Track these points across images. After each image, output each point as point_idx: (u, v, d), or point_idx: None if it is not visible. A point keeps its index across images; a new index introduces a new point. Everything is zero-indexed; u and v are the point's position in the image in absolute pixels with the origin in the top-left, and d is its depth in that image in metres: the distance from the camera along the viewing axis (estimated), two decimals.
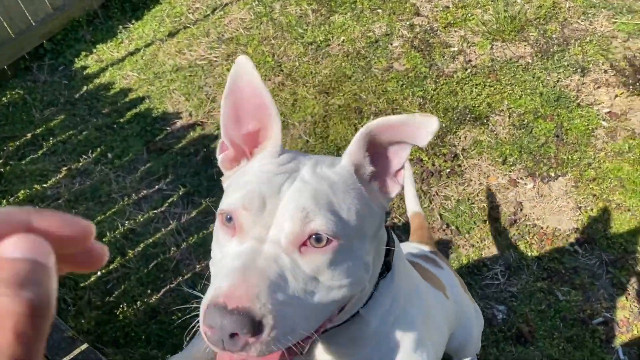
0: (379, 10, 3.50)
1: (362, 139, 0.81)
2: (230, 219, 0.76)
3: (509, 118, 2.73)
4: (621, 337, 2.00)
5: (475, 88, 2.88)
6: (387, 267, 0.93)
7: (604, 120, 2.66)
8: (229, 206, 0.76)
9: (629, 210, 2.33)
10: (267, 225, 0.75)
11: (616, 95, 2.77)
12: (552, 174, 2.48)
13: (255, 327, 0.66)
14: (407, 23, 3.36)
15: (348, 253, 0.78)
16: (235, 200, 0.75)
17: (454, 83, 2.93)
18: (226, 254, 0.75)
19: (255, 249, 0.73)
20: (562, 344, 2.00)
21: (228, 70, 3.23)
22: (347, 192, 0.79)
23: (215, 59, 3.35)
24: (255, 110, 0.83)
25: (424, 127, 0.77)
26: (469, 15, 3.33)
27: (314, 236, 0.74)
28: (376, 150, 0.84)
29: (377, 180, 0.86)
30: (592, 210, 2.36)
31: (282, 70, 3.21)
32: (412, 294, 1.04)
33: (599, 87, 2.82)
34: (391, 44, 3.27)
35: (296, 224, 0.73)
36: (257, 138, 0.86)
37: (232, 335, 0.66)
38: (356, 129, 2.78)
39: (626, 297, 2.09)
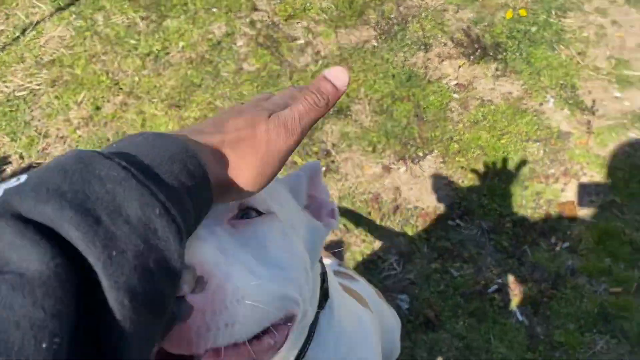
0: (214, 10, 3.29)
1: (306, 172, 0.81)
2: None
3: (369, 105, 2.74)
4: (515, 299, 2.10)
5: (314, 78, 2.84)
6: (324, 295, 0.82)
7: (454, 92, 2.77)
8: None
9: (494, 175, 2.45)
10: None
11: (459, 67, 2.90)
12: (421, 154, 2.53)
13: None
14: (247, 20, 3.21)
15: (283, 234, 0.65)
16: None
17: (309, 77, 2.86)
18: None
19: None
20: (467, 320, 2.05)
21: (56, 97, 2.84)
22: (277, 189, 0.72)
23: (37, 87, 2.91)
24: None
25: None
26: (308, 4, 3.27)
27: (243, 211, 0.62)
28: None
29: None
30: (463, 182, 2.44)
31: (121, 89, 2.89)
32: (356, 330, 0.94)
33: (442, 61, 2.93)
34: (235, 44, 3.10)
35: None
36: None
37: None
38: None
39: (511, 259, 2.20)
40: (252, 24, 3.19)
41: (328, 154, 2.54)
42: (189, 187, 0.41)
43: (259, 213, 0.63)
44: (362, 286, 1.45)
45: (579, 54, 2.90)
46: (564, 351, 1.95)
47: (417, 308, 2.08)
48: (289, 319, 0.63)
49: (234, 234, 0.61)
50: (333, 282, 0.89)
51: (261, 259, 0.61)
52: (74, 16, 3.28)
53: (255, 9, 3.27)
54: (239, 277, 0.53)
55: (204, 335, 0.49)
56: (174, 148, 0.42)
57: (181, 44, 3.10)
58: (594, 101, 2.67)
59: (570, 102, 2.68)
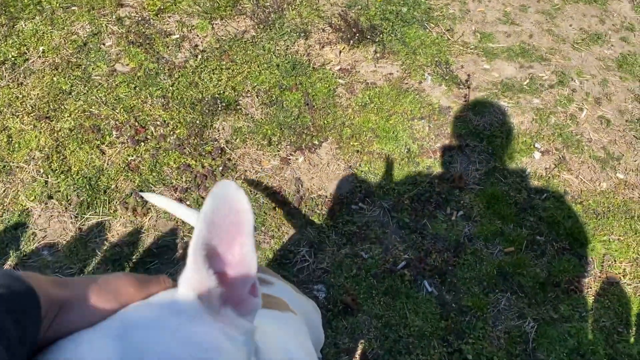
0: (73, 8, 3.03)
1: (197, 254, 0.58)
2: None
3: (257, 97, 2.68)
4: (422, 272, 2.20)
5: (214, 74, 2.74)
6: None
7: (339, 78, 2.80)
8: None
9: (389, 156, 2.53)
10: None
11: (340, 51, 2.93)
12: (316, 142, 2.54)
13: None
14: (113, 17, 2.99)
15: None
16: None
17: (190, 73, 2.74)
18: None
19: None
20: (382, 299, 2.11)
21: None
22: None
23: None
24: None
25: (231, 203, 0.58)
26: None
27: None
28: (219, 265, 0.62)
29: (230, 302, 0.63)
30: (360, 165, 2.49)
31: None
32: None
33: (323, 47, 2.95)
34: (104, 44, 2.87)
35: None
36: None
37: None
38: (101, 151, 2.42)
39: (414, 234, 2.29)
40: (120, 21, 2.98)
41: (223, 151, 2.46)
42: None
43: None
44: (279, 288, 1.42)
45: (447, 30, 3.07)
46: (472, 314, 2.09)
47: (334, 295, 2.10)
48: None
49: None
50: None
51: None
52: None
53: (120, 4, 3.06)
54: None
55: None
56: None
57: (41, 48, 2.81)
58: (468, 75, 2.84)
59: (446, 77, 2.83)
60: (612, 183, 2.51)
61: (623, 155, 2.61)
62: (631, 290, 2.20)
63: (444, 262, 2.22)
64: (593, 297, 2.17)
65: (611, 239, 2.32)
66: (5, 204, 2.28)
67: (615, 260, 2.27)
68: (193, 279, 0.58)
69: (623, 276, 2.23)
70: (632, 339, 2.07)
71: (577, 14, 3.25)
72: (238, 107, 2.63)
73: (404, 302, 2.11)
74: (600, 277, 2.23)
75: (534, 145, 2.60)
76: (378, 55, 2.91)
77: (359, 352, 1.98)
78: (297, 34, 2.98)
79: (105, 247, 2.19)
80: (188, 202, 2.31)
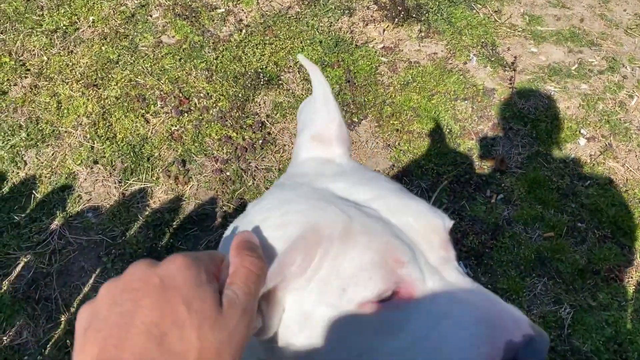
0: None
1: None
2: (389, 296, 0.51)
3: (299, 73, 2.69)
4: (458, 253, 2.19)
5: (257, 48, 2.76)
6: None
7: (382, 56, 2.78)
8: (378, 284, 0.50)
9: (428, 135, 2.51)
10: (416, 255, 0.55)
11: (384, 30, 2.91)
12: (355, 119, 2.54)
13: None
14: None
15: None
16: (373, 273, 0.50)
17: (234, 47, 2.76)
18: (422, 327, 0.50)
19: (445, 298, 0.52)
20: None
21: None
22: None
23: None
24: None
25: None
26: None
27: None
28: None
29: None
30: (399, 144, 2.48)
31: (28, 70, 2.65)
32: None
33: (367, 25, 2.93)
34: (151, 16, 2.92)
35: (441, 232, 0.58)
36: None
37: None
38: (146, 120, 2.47)
39: (451, 215, 2.27)
40: None
41: (263, 125, 2.49)
42: None
43: None
44: None
45: (495, 12, 3.00)
46: (508, 297, 2.06)
47: None
48: None
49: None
50: None
51: None
52: None
53: None
54: None
55: None
56: None
57: (91, 18, 2.88)
58: (514, 57, 2.78)
59: (492, 59, 2.78)
60: None
61: None
62: None
63: (481, 244, 2.20)
64: (634, 287, 2.11)
65: None
66: (53, 167, 2.36)
67: None
68: None
69: None
70: None
71: None
72: (280, 82, 2.65)
73: None
74: None
75: (579, 132, 2.54)
76: (423, 34, 2.87)
77: None
78: (341, 11, 2.97)
79: (146, 213, 2.25)
80: (228, 173, 2.34)
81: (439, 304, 0.51)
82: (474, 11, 2.99)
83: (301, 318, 0.52)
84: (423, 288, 0.53)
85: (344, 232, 0.52)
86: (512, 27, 2.93)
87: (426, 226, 0.58)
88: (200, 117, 2.51)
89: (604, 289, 2.10)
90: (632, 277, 2.14)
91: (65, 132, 2.45)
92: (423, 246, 0.56)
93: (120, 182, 2.32)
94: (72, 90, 2.58)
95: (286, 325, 0.52)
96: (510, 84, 2.68)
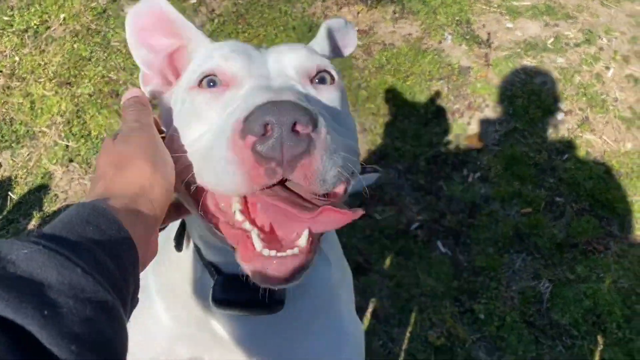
0: None
1: (324, 34, 0.84)
2: (213, 82, 0.66)
3: None
4: (436, 233, 2.18)
5: (230, 37, 2.73)
6: None
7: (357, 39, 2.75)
8: (206, 67, 0.67)
9: (404, 117, 2.50)
10: (263, 70, 0.67)
11: (358, 12, 2.88)
12: None
13: (313, 119, 0.54)
14: None
15: (347, 105, 0.74)
16: (212, 61, 0.67)
17: (208, 36, 2.74)
18: (224, 109, 0.63)
19: (264, 83, 0.63)
20: (395, 260, 2.11)
21: None
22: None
23: None
24: (167, 32, 0.75)
25: (351, 35, 0.91)
26: None
27: (319, 74, 0.69)
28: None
29: None
30: (375, 127, 2.47)
31: (0, 71, 2.64)
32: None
33: (341, 8, 2.90)
34: (122, 11, 2.90)
35: (302, 57, 0.68)
36: (175, 62, 0.78)
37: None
38: (120, 115, 2.45)
39: (429, 196, 2.27)
40: None
41: None
42: (102, 240, 0.47)
43: (332, 78, 0.70)
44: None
45: None
46: (486, 275, 2.07)
47: (347, 255, 2.11)
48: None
49: (317, 96, 0.68)
50: None
51: (337, 122, 0.66)
52: None
53: None
54: (332, 133, 0.57)
55: (320, 172, 0.54)
56: (85, 212, 0.48)
57: (62, 15, 2.85)
58: (489, 34, 2.76)
59: (467, 37, 2.76)
60: (638, 143, 2.42)
61: None
62: None
63: (458, 224, 2.20)
64: (612, 259, 2.11)
65: (634, 200, 2.25)
66: (29, 168, 2.35)
67: (637, 222, 2.20)
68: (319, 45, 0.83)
69: None
70: None
71: None
72: None
73: (417, 262, 2.10)
74: (620, 238, 2.17)
75: (556, 106, 2.52)
76: (397, 15, 2.85)
77: (370, 310, 1.99)
78: None
79: None
80: None
81: (245, 93, 0.62)
82: None
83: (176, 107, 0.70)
84: (241, 82, 0.64)
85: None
86: (487, 3, 2.91)
87: (285, 50, 0.70)
88: None
89: (583, 261, 2.10)
90: (610, 249, 2.14)
91: (40, 132, 2.44)
92: (275, 69, 0.67)
93: None
94: (45, 90, 2.57)
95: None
96: (486, 61, 2.67)
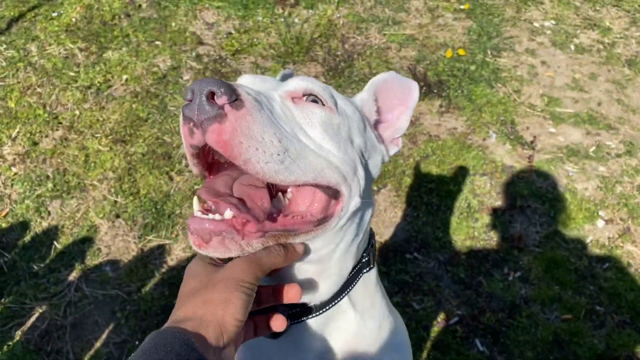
0: (157, 43, 3.23)
1: (370, 89, 0.84)
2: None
3: None
4: (475, 330, 2.15)
5: None
6: (368, 262, 0.87)
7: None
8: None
9: (446, 208, 2.53)
10: (260, 88, 0.73)
11: None
12: (375, 188, 2.57)
13: (233, 95, 0.62)
14: (193, 54, 3.16)
15: (341, 131, 0.74)
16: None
17: None
18: None
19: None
20: (431, 353, 2.07)
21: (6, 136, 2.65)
22: (349, 104, 0.80)
23: None
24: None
25: (410, 89, 0.85)
26: (254, 40, 3.28)
27: (310, 96, 0.73)
28: (381, 109, 0.87)
29: (378, 131, 0.87)
30: (417, 215, 2.50)
31: (60, 123, 2.75)
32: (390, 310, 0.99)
33: None
34: (182, 78, 3.04)
35: (294, 81, 0.73)
36: None
37: (207, 102, 0.61)
38: (170, 177, 2.52)
39: (468, 290, 2.26)
40: (199, 57, 3.15)
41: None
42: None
43: (323, 103, 0.73)
44: None
45: (515, 91, 3.09)
46: None
47: None
48: (335, 195, 0.72)
49: (292, 105, 0.71)
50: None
51: (309, 131, 0.70)
52: (4, 46, 3.10)
53: (200, 42, 3.24)
54: (268, 123, 0.64)
55: (236, 144, 0.60)
56: (172, 343, 0.55)
57: (124, 76, 3.00)
58: (534, 137, 2.83)
59: (511, 137, 2.83)
60: None
61: None
62: None
63: (497, 322, 2.17)
64: None
65: None
66: (76, 219, 2.40)
67: None
68: (363, 99, 0.85)
69: None
70: None
71: None
72: None
73: (454, 358, 2.06)
74: None
75: (597, 213, 2.54)
76: (443, 109, 2.95)
77: None
78: (365, 82, 3.06)
79: (163, 270, 2.26)
80: None
81: None
82: (494, 89, 3.08)
83: None
84: None
85: None
86: (531, 107, 3.01)
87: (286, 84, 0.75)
88: None
89: None
90: None
91: (91, 185, 2.51)
92: (267, 89, 0.73)
93: (140, 238, 2.35)
94: (100, 145, 2.66)
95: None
96: (529, 162, 2.72)
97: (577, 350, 2.10)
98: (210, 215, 0.63)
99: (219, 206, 0.65)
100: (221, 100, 0.60)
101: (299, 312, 0.79)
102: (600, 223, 2.52)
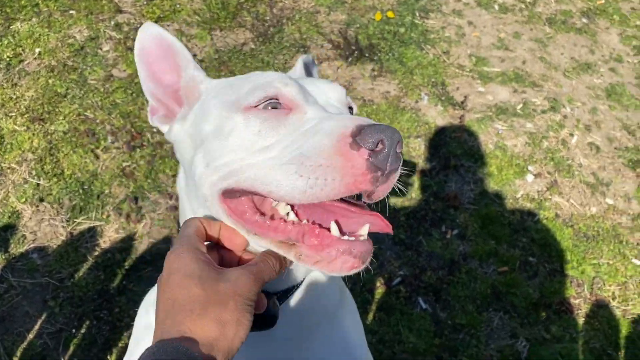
0: (71, 12, 3.01)
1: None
2: (275, 104, 0.70)
3: None
4: (417, 289, 2.20)
5: None
6: None
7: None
8: (270, 91, 0.70)
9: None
10: (313, 100, 0.73)
11: (338, 68, 2.96)
12: None
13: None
14: (112, 23, 2.97)
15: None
16: (269, 85, 0.71)
17: None
18: (295, 128, 0.68)
19: (325, 112, 0.70)
20: (377, 315, 2.10)
21: None
22: None
23: None
24: (170, 65, 0.82)
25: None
26: (177, 6, 3.12)
27: (350, 107, 0.79)
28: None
29: None
30: None
31: None
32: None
33: (321, 63, 2.97)
34: (101, 49, 2.85)
35: (340, 93, 0.77)
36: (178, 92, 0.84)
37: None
38: (96, 155, 2.39)
39: (409, 251, 2.30)
40: (118, 27, 2.96)
41: None
42: None
43: (352, 110, 0.79)
44: None
45: (444, 52, 3.12)
46: (466, 332, 2.09)
47: None
48: None
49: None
50: None
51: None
52: None
53: (119, 10, 3.05)
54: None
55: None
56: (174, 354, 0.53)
57: (37, 49, 2.78)
58: (464, 97, 2.89)
59: (442, 98, 2.87)
60: (602, 208, 2.55)
61: (612, 181, 2.66)
62: (620, 313, 2.23)
63: (438, 280, 2.23)
64: (583, 319, 2.19)
65: (600, 262, 2.36)
66: None
67: (604, 284, 2.30)
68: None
69: (612, 299, 2.27)
70: None
71: (569, 44, 3.34)
72: None
73: (399, 318, 2.10)
74: (590, 299, 2.26)
75: (527, 168, 2.64)
76: (375, 73, 2.94)
77: None
78: (296, 48, 3.00)
79: (96, 253, 2.15)
80: None
81: (315, 116, 0.68)
82: (424, 51, 3.10)
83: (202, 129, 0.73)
84: (303, 108, 0.69)
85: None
86: (460, 68, 3.05)
87: (325, 84, 0.77)
88: (154, 153, 2.44)
89: (556, 321, 2.16)
90: (580, 309, 2.21)
91: (9, 168, 2.33)
92: (322, 100, 0.74)
93: (68, 221, 2.21)
94: (16, 125, 2.47)
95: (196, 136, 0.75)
96: (461, 122, 2.78)
97: (514, 300, 2.19)
98: (362, 238, 0.65)
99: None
100: (400, 149, 0.63)
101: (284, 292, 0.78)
102: (529, 177, 2.62)
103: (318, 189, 0.61)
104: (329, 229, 0.64)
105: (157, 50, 0.81)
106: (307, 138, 0.64)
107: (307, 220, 0.66)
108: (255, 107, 0.70)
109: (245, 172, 0.66)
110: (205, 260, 0.61)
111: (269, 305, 0.71)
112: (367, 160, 0.60)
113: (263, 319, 0.72)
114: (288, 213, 0.66)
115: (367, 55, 2.99)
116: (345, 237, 0.63)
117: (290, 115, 0.70)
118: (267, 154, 0.66)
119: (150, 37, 0.81)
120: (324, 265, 0.63)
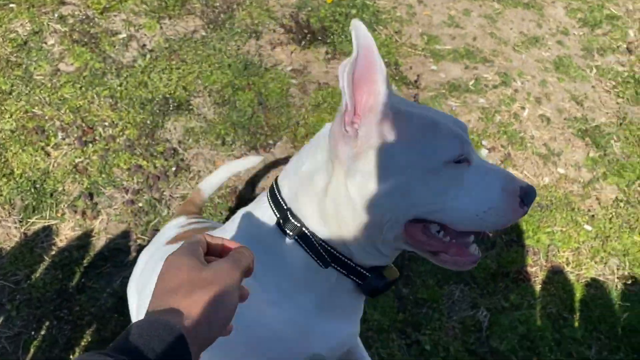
0: (11, 5, 2.90)
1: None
2: (460, 159, 0.87)
3: (210, 97, 2.65)
4: None
5: (164, 74, 2.69)
6: None
7: (291, 78, 2.81)
8: (466, 151, 0.88)
9: None
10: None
11: (292, 52, 2.95)
12: (271, 141, 2.54)
13: None
14: (55, 15, 2.88)
15: None
16: (454, 144, 0.87)
17: (139, 73, 2.67)
18: (476, 180, 0.88)
19: (484, 166, 0.92)
20: None
21: None
22: None
23: None
24: (369, 81, 0.87)
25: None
26: None
27: None
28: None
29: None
30: None
31: None
32: None
33: (275, 48, 2.95)
34: (45, 43, 2.77)
35: (467, 128, 0.96)
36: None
37: None
38: (46, 153, 2.33)
39: None
40: (62, 19, 2.87)
41: (175, 152, 2.42)
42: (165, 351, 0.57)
43: None
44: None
45: (396, 32, 3.14)
46: (428, 306, 2.13)
47: None
48: None
49: None
50: None
51: None
52: None
53: (62, 2, 2.95)
54: None
55: None
56: (157, 330, 0.58)
57: None
58: (417, 76, 2.92)
59: (396, 78, 2.89)
60: (554, 177, 2.63)
61: (562, 151, 2.74)
62: (574, 278, 2.31)
63: (399, 257, 2.26)
64: (540, 286, 2.26)
65: (554, 230, 2.43)
66: None
67: (558, 250, 2.38)
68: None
69: (566, 265, 2.35)
70: (576, 324, 2.18)
71: (517, 18, 3.40)
72: (190, 106, 2.59)
73: None
74: (545, 266, 2.33)
75: (481, 143, 2.69)
76: (329, 56, 2.94)
77: None
78: (248, 34, 2.97)
79: (53, 252, 2.11)
80: (140, 204, 2.25)
81: (483, 168, 0.90)
82: (376, 32, 3.11)
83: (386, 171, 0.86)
84: (474, 160, 0.90)
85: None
86: (412, 47, 3.08)
87: (462, 126, 0.93)
88: (107, 147, 2.39)
89: (515, 290, 2.23)
90: (537, 277, 2.29)
91: None
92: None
93: (21, 222, 2.16)
94: None
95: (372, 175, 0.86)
96: (415, 100, 2.81)
97: (473, 271, 2.25)
98: (477, 252, 0.97)
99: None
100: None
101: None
102: (484, 152, 2.67)
103: (493, 222, 0.90)
104: (463, 245, 0.94)
105: (364, 69, 0.87)
106: (488, 193, 0.89)
107: (450, 238, 0.93)
108: (455, 162, 0.89)
109: (444, 212, 0.87)
110: (199, 259, 0.69)
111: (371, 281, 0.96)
112: (520, 203, 0.89)
113: (382, 290, 0.98)
114: (439, 231, 0.92)
115: (320, 38, 2.99)
116: (477, 252, 0.97)
117: (470, 167, 0.89)
118: (459, 200, 0.88)
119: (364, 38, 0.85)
120: (456, 267, 0.95)
